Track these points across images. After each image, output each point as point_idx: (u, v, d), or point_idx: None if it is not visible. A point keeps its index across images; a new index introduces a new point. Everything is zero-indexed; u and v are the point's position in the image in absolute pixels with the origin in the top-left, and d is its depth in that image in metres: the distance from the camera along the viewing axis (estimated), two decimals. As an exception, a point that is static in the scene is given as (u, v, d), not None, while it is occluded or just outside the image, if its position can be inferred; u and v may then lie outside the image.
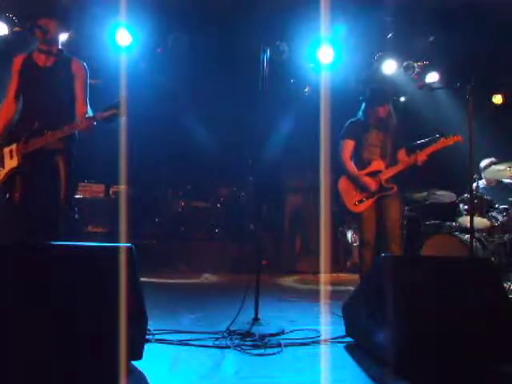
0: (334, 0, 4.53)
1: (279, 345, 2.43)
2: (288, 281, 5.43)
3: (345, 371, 2.14)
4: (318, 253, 4.82)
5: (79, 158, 3.16)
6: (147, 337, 2.28)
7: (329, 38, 5.59)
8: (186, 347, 2.38)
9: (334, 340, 2.60)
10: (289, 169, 6.80)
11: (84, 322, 1.82)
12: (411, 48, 6.07)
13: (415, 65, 6.12)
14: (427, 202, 5.54)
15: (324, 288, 4.83)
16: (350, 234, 6.27)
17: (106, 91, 3.41)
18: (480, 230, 4.80)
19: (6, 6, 4.95)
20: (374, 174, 3.76)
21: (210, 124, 6.66)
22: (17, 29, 4.77)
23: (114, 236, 5.28)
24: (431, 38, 5.83)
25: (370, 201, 3.74)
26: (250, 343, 2.45)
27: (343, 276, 5.69)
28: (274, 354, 2.32)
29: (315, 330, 2.76)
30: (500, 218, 4.87)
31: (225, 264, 5.88)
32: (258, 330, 2.72)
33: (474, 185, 4.84)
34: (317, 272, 5.54)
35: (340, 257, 6.30)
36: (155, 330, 2.54)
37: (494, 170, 5.08)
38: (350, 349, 2.47)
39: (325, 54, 5.68)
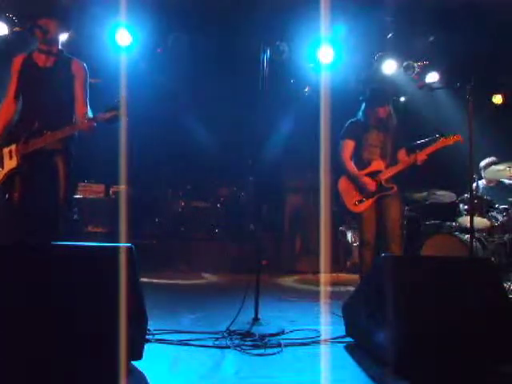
0: (334, 0, 4.53)
1: (279, 345, 2.43)
2: (288, 281, 5.43)
3: (345, 371, 2.14)
4: (318, 253, 4.82)
5: (79, 157, 3.16)
6: (147, 337, 2.28)
7: (329, 37, 5.59)
8: (186, 347, 2.38)
9: (334, 340, 2.60)
10: (289, 169, 6.80)
11: (84, 322, 1.82)
12: (411, 48, 6.07)
13: (415, 65, 6.12)
14: (427, 202, 5.54)
15: (324, 288, 4.83)
16: (349, 234, 6.27)
17: (106, 91, 3.41)
18: (480, 230, 4.80)
19: (6, 6, 4.95)
20: (373, 174, 3.76)
21: (209, 124, 6.66)
22: (17, 29, 4.77)
23: (114, 236, 5.28)
24: (431, 38, 5.83)
25: (370, 201, 3.75)
26: (249, 343, 2.45)
27: (343, 276, 5.69)
28: (273, 353, 2.32)
29: (315, 330, 2.76)
30: (500, 217, 4.86)
31: (225, 264, 5.88)
32: (257, 329, 2.73)
33: (474, 185, 4.84)
34: (317, 272, 5.54)
35: (340, 257, 6.30)
36: (155, 330, 2.54)
37: (494, 170, 5.08)
38: (350, 349, 2.47)
39: (325, 53, 5.68)
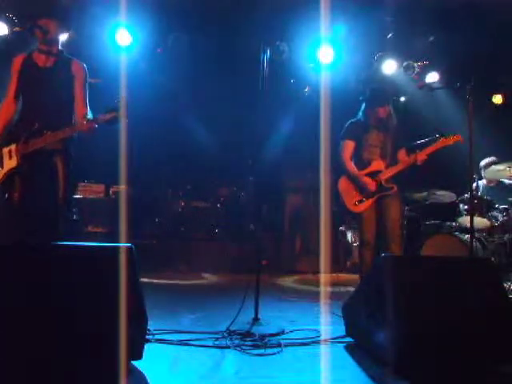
0: (334, 0, 4.53)
1: (279, 345, 2.43)
2: (288, 281, 5.43)
3: (345, 371, 2.14)
4: (318, 253, 4.82)
5: (79, 158, 3.16)
6: (147, 337, 2.28)
7: (329, 37, 5.59)
8: (186, 347, 2.38)
9: (334, 340, 2.60)
10: (289, 169, 6.80)
11: (84, 322, 1.82)
12: (411, 48, 6.07)
13: (415, 65, 6.12)
14: (427, 202, 5.54)
15: (324, 288, 4.83)
16: (349, 234, 6.27)
17: (106, 91, 3.41)
18: (480, 230, 4.80)
19: (5, 6, 4.95)
20: (374, 174, 3.76)
21: (210, 124, 6.66)
22: (17, 29, 4.77)
23: (114, 236, 5.28)
24: (431, 38, 5.83)
25: (370, 201, 3.75)
26: (249, 343, 2.45)
27: (343, 276, 5.69)
28: (273, 353, 2.32)
29: (315, 330, 2.76)
30: (500, 217, 4.86)
31: (225, 264, 5.88)
32: (257, 330, 2.73)
33: (474, 185, 4.84)
34: (317, 272, 5.54)
35: (340, 257, 6.30)
36: (155, 330, 2.54)
37: (494, 170, 5.08)
38: (349, 349, 2.47)
39: (325, 53, 5.68)
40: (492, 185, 5.43)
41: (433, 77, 6.22)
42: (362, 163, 3.84)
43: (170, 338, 2.47)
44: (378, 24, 5.64)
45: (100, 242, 5.23)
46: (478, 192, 5.08)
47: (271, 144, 5.54)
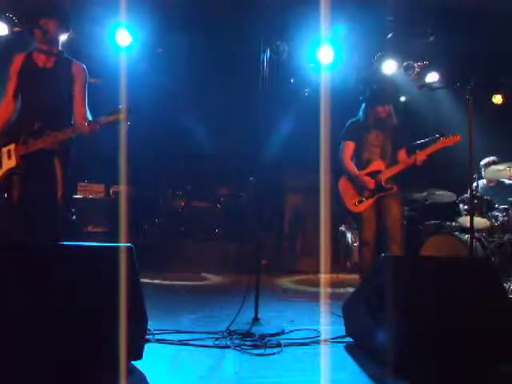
0: (334, 0, 4.53)
1: (279, 345, 2.44)
2: (288, 281, 5.43)
3: (345, 371, 2.14)
4: (318, 253, 4.82)
5: (79, 158, 3.16)
6: (147, 337, 2.28)
7: (329, 37, 5.58)
8: (186, 347, 2.38)
9: (334, 340, 2.60)
10: (289, 169, 6.79)
11: (84, 322, 1.82)
12: (411, 48, 6.06)
13: (415, 65, 6.12)
14: (427, 202, 5.53)
15: (324, 288, 4.83)
16: (349, 234, 6.26)
17: (106, 91, 3.42)
18: (480, 230, 4.79)
19: (5, 6, 4.94)
20: (374, 174, 3.77)
21: (210, 124, 6.66)
22: (17, 29, 4.76)
23: (113, 236, 5.28)
24: (431, 38, 5.82)
25: (370, 201, 3.75)
26: (250, 343, 2.46)
27: (343, 276, 5.68)
28: (273, 353, 2.32)
29: (315, 330, 2.76)
30: (500, 218, 4.86)
31: (225, 264, 5.88)
32: (257, 329, 2.72)
33: (474, 185, 4.83)
34: (317, 272, 5.54)
35: (340, 257, 6.29)
36: (155, 330, 2.54)
37: (493, 170, 5.07)
38: (349, 349, 2.47)
39: (325, 54, 5.67)
40: (492, 185, 5.43)
41: (433, 77, 6.22)
42: (362, 163, 3.84)
43: (170, 338, 2.47)
44: (377, 24, 5.64)
45: (100, 241, 5.23)
46: (477, 192, 5.08)
47: (271, 144, 5.54)
